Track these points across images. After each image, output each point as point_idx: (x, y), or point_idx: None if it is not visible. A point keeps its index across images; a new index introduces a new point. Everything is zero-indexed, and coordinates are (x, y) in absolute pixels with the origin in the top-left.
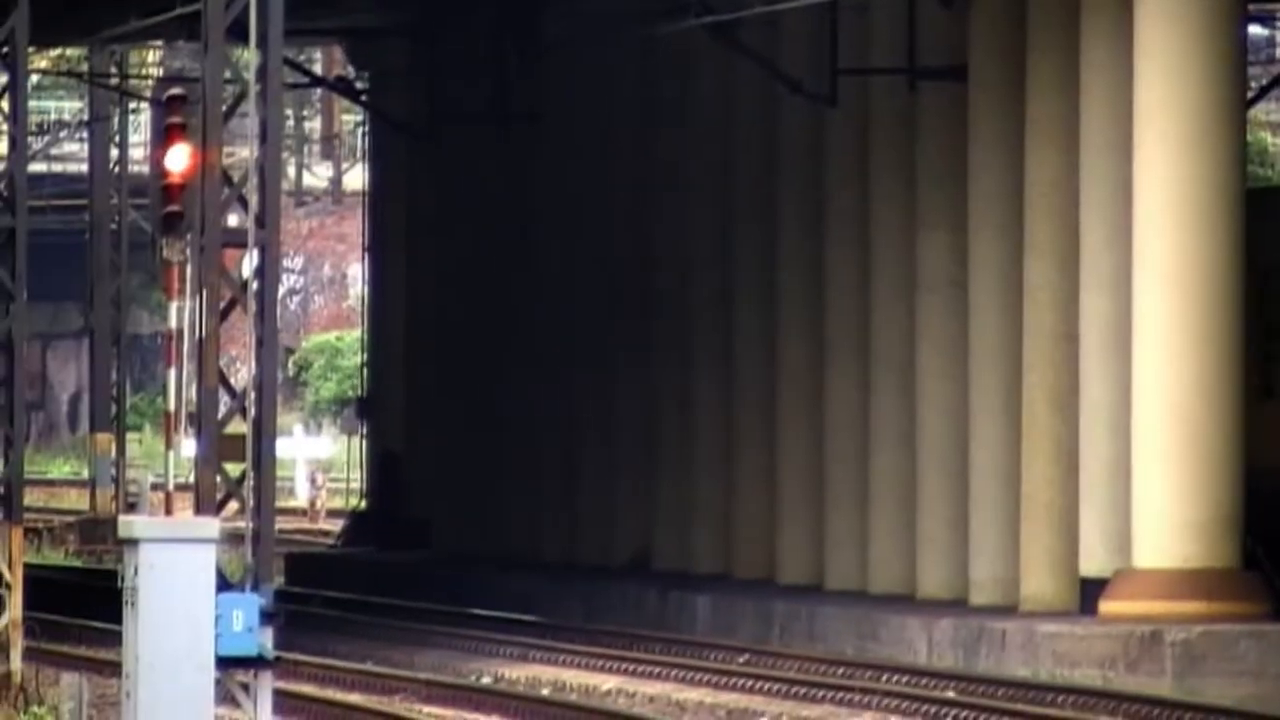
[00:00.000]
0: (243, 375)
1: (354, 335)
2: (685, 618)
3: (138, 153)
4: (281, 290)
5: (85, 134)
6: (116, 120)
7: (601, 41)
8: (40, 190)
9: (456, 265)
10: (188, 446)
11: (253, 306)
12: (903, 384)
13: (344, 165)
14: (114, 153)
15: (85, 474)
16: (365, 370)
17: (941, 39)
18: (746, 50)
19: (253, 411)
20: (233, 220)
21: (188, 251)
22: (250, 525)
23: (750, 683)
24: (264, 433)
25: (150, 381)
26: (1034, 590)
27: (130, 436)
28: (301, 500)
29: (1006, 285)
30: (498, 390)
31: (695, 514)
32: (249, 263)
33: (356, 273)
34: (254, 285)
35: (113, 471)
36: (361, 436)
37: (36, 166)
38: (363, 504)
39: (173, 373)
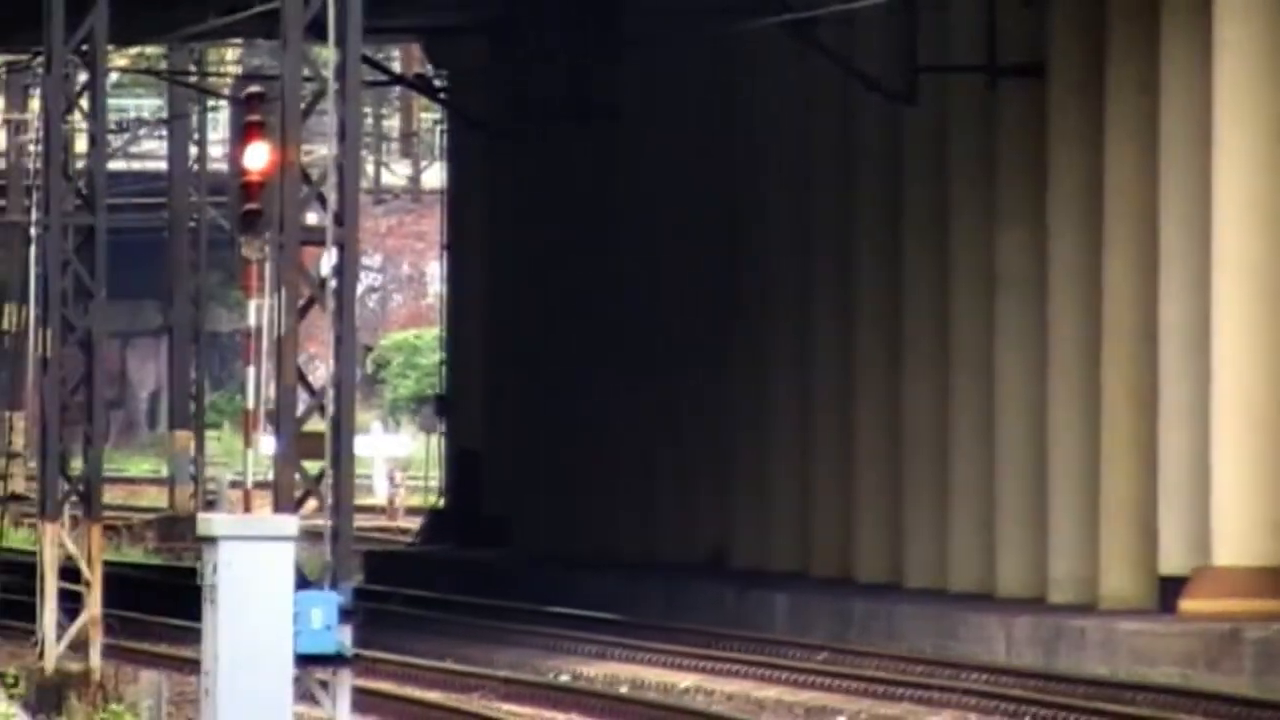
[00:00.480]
0: (321, 373)
1: (432, 333)
2: (763, 616)
3: (216, 151)
4: (360, 288)
5: (164, 132)
6: (195, 118)
7: (680, 39)
8: (119, 188)
9: (535, 263)
10: (266, 444)
11: (331, 304)
12: (980, 382)
13: (423, 163)
14: (193, 151)
15: (164, 472)
16: (444, 368)
17: (1020, 36)
18: (824, 48)
19: (331, 409)
20: (311, 218)
21: (266, 249)
22: (329, 523)
23: (828, 681)
24: (343, 430)
25: (229, 379)
26: (1113, 588)
27: (209, 434)
28: (380, 498)
29: (1085, 283)
30: (577, 388)
31: (773, 512)
32: (328, 261)
33: (435, 271)
34: (332, 283)
35: (191, 469)
36: (440, 435)
37: (115, 165)
38: (441, 502)
39: (251, 370)
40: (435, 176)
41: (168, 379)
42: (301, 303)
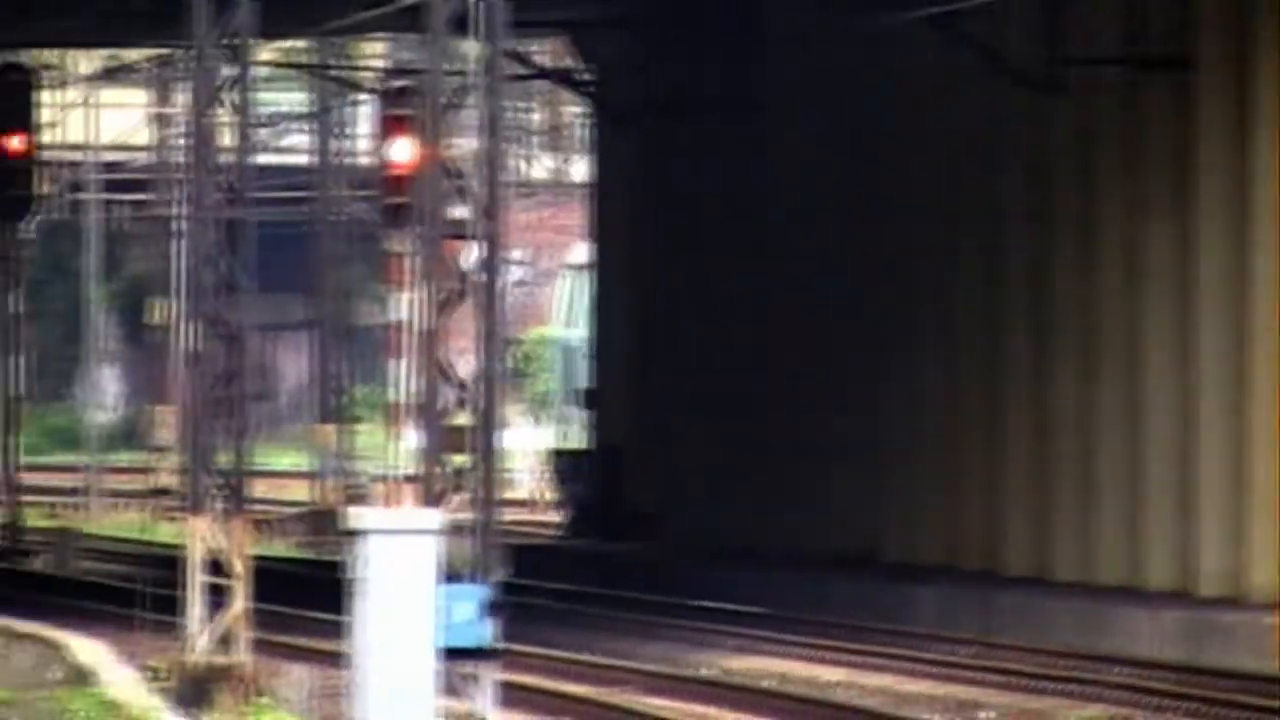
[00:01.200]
0: (466, 367)
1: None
2: (910, 609)
3: (362, 145)
4: (504, 282)
5: (309, 126)
6: (340, 112)
7: (825, 31)
8: (265, 182)
9: (680, 256)
10: (411, 438)
11: (476, 298)
12: (1126, 375)
13: (568, 157)
14: (338, 144)
15: (309, 466)
16: (590, 361)
17: (1167, 26)
18: (968, 39)
19: (476, 403)
20: (457, 212)
21: (411, 243)
22: (474, 517)
23: (974, 675)
24: (488, 424)
25: (374, 373)
26: (1261, 581)
27: (354, 428)
28: (525, 492)
29: (1232, 276)
30: (723, 381)
31: (920, 505)
32: (473, 254)
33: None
34: (477, 277)
35: (337, 463)
36: (587, 428)
37: (261, 158)
38: (589, 496)
39: (396, 365)
40: (581, 170)
41: (312, 372)
42: (446, 297)
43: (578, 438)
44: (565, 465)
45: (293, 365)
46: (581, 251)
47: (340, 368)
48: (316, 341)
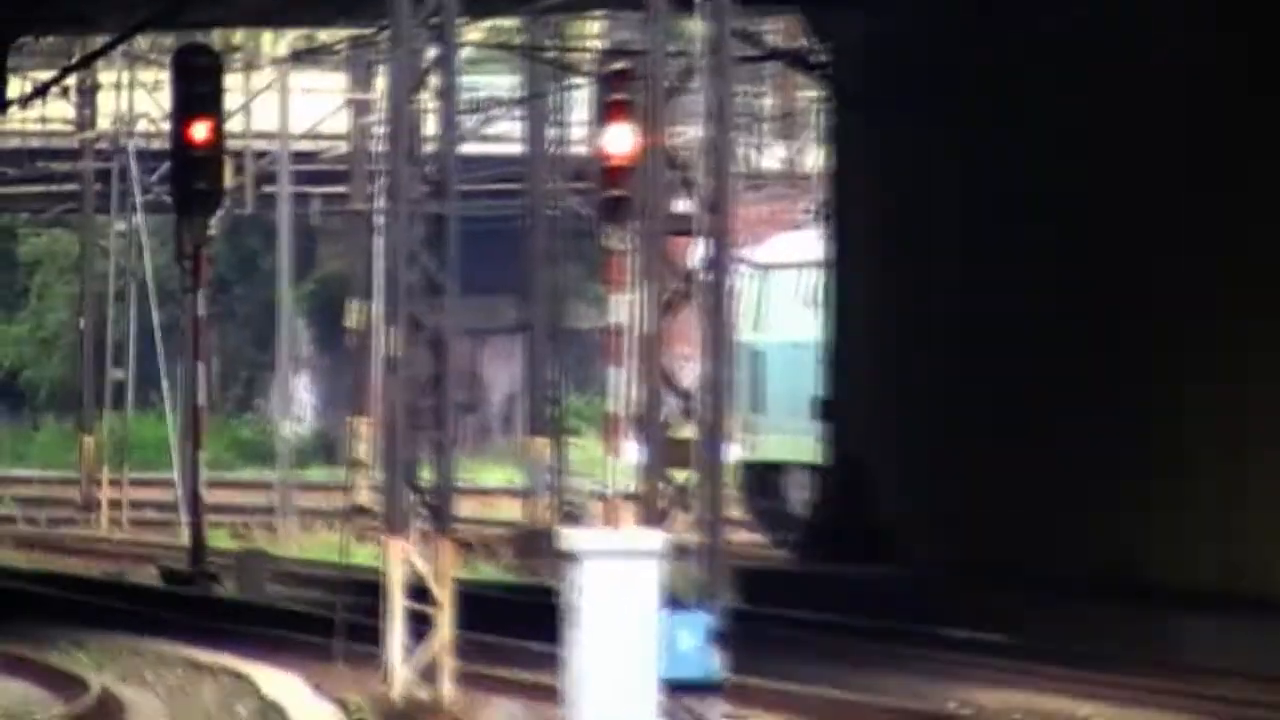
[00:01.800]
0: (691, 374)
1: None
2: (1177, 639)
3: (577, 132)
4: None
5: (520, 112)
6: (554, 98)
7: (1063, 10)
8: (472, 173)
9: (929, 252)
10: (631, 452)
11: (702, 299)
12: None
13: (801, 145)
14: (551, 133)
15: (520, 482)
16: (826, 367)
17: None
18: (1223, 15)
19: (702, 413)
20: (680, 206)
21: (631, 240)
22: (699, 537)
23: (1247, 712)
24: (714, 437)
25: (590, 381)
26: None
27: (569, 441)
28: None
29: None
30: (970, 389)
31: (1191, 523)
32: (698, 251)
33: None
34: (703, 276)
35: (550, 479)
36: (823, 441)
37: (468, 148)
38: (822, 514)
39: (614, 372)
40: (815, 159)
41: (524, 381)
42: (669, 298)
43: (783, 449)
44: (754, 479)
45: (502, 373)
46: (767, 248)
47: (553, 375)
48: (527, 347)
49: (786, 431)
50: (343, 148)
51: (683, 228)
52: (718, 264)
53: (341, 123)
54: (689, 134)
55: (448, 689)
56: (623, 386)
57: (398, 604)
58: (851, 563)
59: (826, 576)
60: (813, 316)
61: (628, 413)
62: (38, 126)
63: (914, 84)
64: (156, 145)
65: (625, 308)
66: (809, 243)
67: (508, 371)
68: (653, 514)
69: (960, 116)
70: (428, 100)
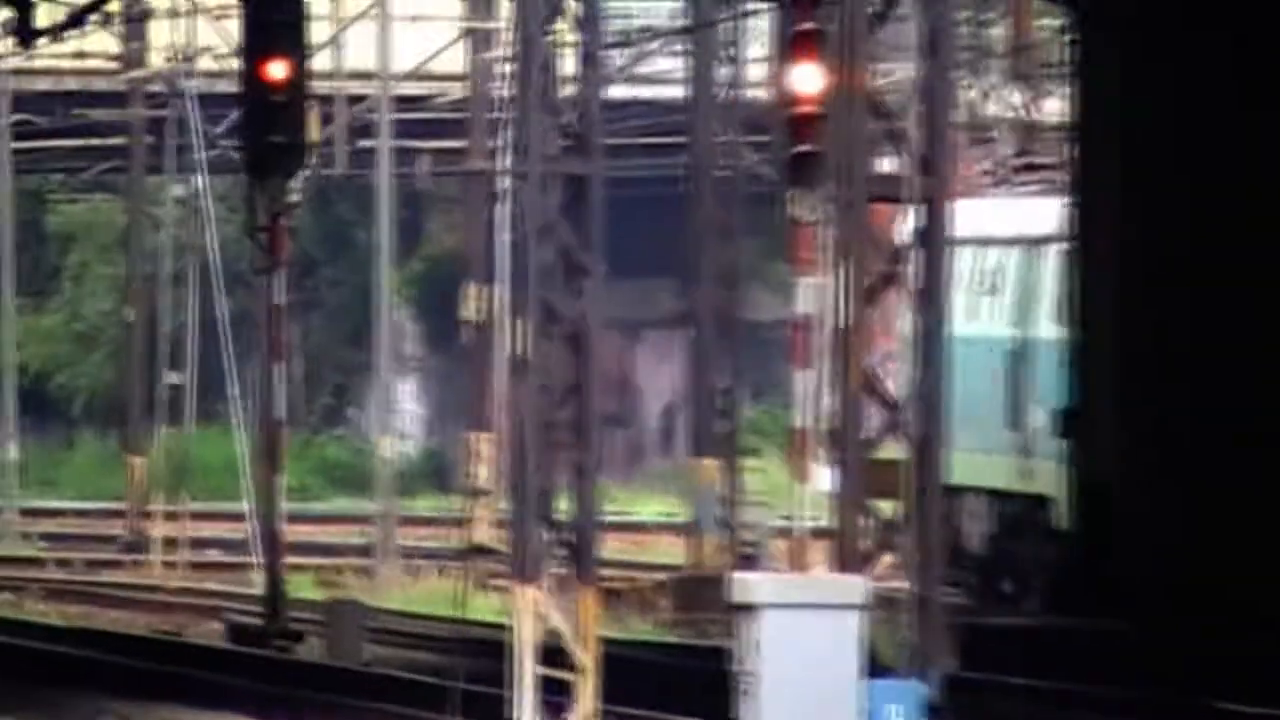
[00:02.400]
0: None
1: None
2: None
3: (755, 72)
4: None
5: (682, 47)
6: (725, 28)
7: None
8: (622, 124)
9: (1206, 225)
10: (824, 477)
11: (915, 283)
12: None
13: (1040, 88)
14: (722, 72)
15: (683, 515)
16: (1069, 371)
17: None
18: None
19: (915, 428)
20: (887, 165)
21: (824, 208)
22: (910, 585)
23: None
24: (929, 458)
25: (773, 387)
26: None
27: (746, 463)
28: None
29: None
30: (1256, 401)
31: None
32: (910, 222)
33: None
34: (916, 254)
35: (721, 511)
36: (1066, 464)
37: (616, 92)
38: (1067, 552)
39: (802, 376)
40: (1059, 106)
41: (687, 387)
42: (872, 281)
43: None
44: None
45: (659, 377)
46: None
47: (725, 380)
48: (691, 344)
49: (961, 448)
50: (458, 91)
51: (889, 193)
52: (933, 239)
53: (457, 60)
54: (896, 73)
55: None
56: (812, 394)
57: (528, 669)
58: (1104, 615)
59: (1071, 633)
60: (992, 305)
61: (819, 427)
62: (74, 64)
63: (1193, 5)
64: (222, 88)
65: (816, 295)
66: (987, 212)
67: (667, 375)
68: (851, 556)
69: (1260, 50)
70: (566, 31)
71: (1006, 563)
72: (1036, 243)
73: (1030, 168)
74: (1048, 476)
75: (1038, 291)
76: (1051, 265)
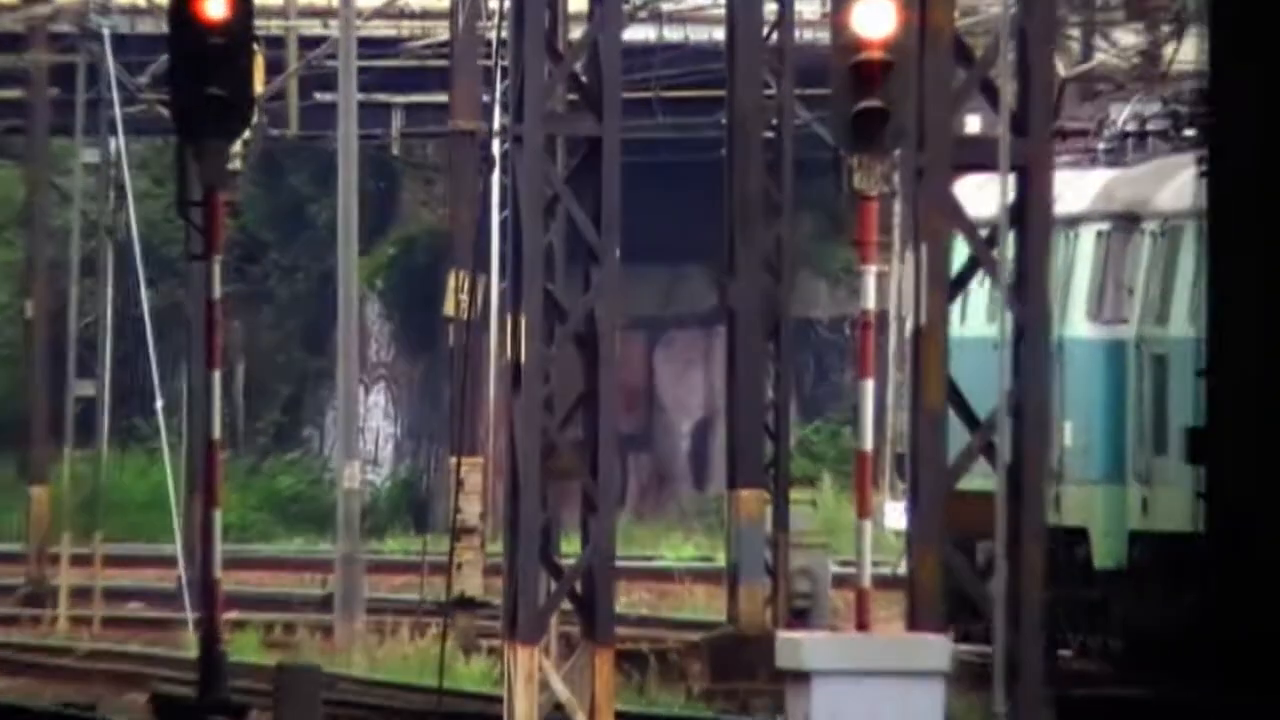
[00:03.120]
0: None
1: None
2: None
3: (808, 8)
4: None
5: None
6: None
7: None
8: (643, 73)
9: None
10: (894, 513)
11: (1005, 272)
12: None
13: (1162, 30)
14: (769, 8)
15: (720, 559)
16: (1203, 382)
17: None
18: None
19: (1006, 453)
20: (971, 124)
21: (894, 178)
22: (998, 645)
23: None
24: (1027, 489)
25: (832, 400)
26: None
27: (797, 495)
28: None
29: None
30: None
31: None
32: (1001, 197)
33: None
34: (1007, 236)
35: (767, 555)
36: (1199, 494)
37: (633, 33)
38: (1194, 605)
39: (868, 386)
40: (1186, 51)
41: (724, 400)
42: (959, 270)
43: None
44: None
45: (690, 387)
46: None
47: (771, 392)
48: (729, 346)
49: (1077, 479)
50: (440, 33)
51: (976, 158)
52: (1030, 215)
53: None
54: (986, 9)
55: None
56: (876, 409)
57: None
58: (1244, 684)
59: (1188, 710)
60: (1117, 299)
61: (890, 451)
62: None
63: None
64: (146, 28)
65: (887, 285)
66: (1104, 182)
67: (698, 386)
68: (929, 610)
69: None
70: None
71: (1120, 618)
72: (1168, 221)
73: (1159, 131)
74: (1177, 511)
75: (1171, 282)
76: (1190, 248)
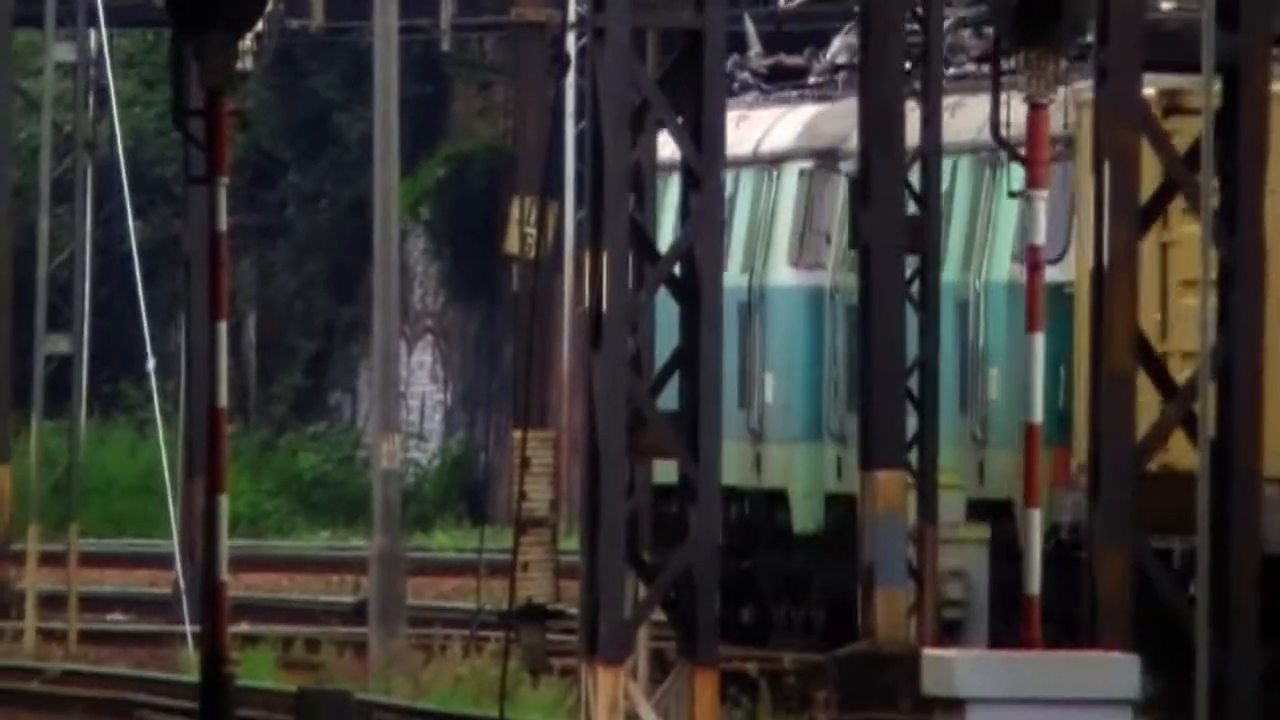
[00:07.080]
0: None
1: None
2: None
3: None
4: None
5: None
6: None
7: None
8: None
9: None
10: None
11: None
12: None
13: None
14: None
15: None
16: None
17: None
18: None
19: (1206, 428)
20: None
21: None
22: (1204, 666)
23: None
24: (1235, 471)
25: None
26: None
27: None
28: None
29: None
30: None
31: None
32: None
33: None
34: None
35: (909, 553)
36: None
37: None
38: None
39: (1038, 341)
40: None
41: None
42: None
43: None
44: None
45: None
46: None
47: (912, 347)
48: (861, 291)
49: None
50: None
51: (1174, 55)
52: (1245, 128)
53: None
54: None
55: None
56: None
57: None
58: None
59: None
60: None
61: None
62: None
63: None
64: None
65: (1055, 217)
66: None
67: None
68: (1114, 621)
69: None
70: None
71: (819, 587)
72: None
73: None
74: None
75: None
76: None
